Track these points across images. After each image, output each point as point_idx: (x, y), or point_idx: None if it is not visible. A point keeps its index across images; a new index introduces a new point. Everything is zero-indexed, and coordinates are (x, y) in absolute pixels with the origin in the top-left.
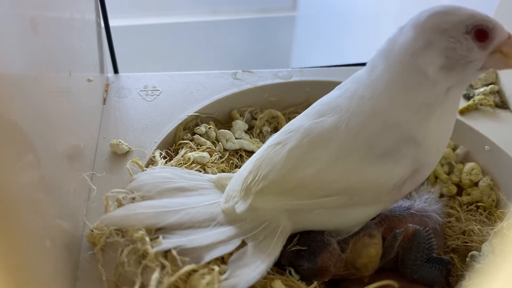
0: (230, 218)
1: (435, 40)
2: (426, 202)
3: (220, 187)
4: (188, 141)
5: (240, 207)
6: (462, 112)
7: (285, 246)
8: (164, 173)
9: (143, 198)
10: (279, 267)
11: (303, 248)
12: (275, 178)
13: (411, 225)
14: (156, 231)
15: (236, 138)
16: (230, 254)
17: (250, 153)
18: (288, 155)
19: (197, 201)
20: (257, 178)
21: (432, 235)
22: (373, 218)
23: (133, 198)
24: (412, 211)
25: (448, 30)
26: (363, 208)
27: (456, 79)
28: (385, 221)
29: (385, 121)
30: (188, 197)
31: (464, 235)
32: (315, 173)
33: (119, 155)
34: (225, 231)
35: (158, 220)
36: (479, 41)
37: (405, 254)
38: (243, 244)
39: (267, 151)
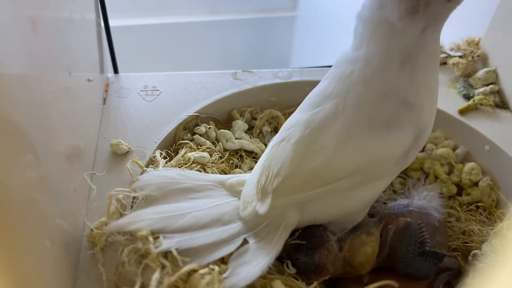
0: (238, 219)
1: None
2: (425, 199)
3: (231, 191)
4: (188, 141)
5: (262, 208)
6: (462, 112)
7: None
8: (168, 173)
9: (147, 197)
10: (279, 262)
11: (301, 242)
12: (287, 173)
13: (401, 218)
14: None
15: (236, 138)
16: (231, 253)
17: (250, 153)
18: (294, 148)
19: (203, 203)
20: (270, 177)
21: (424, 228)
22: (372, 216)
23: (134, 198)
24: (410, 208)
25: None
26: (370, 185)
27: (426, 18)
28: (384, 219)
29: (379, 89)
30: (193, 200)
31: (464, 235)
32: (325, 160)
33: (119, 155)
34: (227, 230)
35: (165, 224)
36: None
37: (396, 248)
38: (245, 242)
39: (273, 150)
